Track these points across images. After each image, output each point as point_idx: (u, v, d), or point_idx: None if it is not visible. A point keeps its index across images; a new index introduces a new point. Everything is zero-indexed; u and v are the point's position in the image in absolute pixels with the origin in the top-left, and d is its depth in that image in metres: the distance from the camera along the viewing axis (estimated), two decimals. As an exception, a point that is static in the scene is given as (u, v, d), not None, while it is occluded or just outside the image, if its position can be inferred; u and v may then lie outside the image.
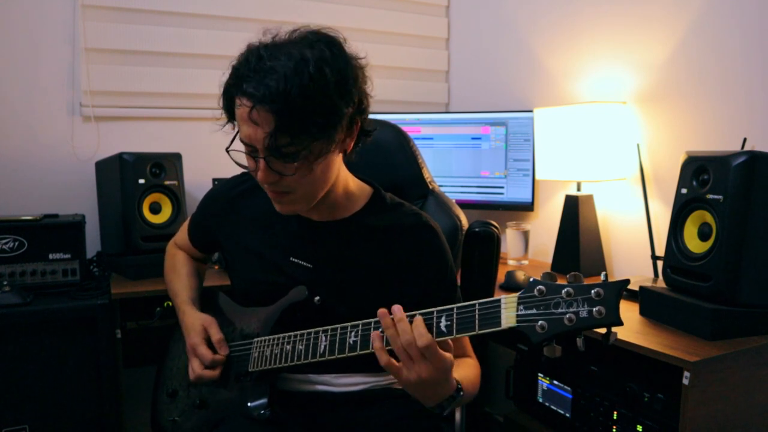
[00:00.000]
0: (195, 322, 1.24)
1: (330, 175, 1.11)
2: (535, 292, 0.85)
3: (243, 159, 1.07)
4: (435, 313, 0.94)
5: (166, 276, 1.43)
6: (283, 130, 0.97)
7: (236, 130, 1.07)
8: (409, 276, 1.16)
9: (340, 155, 1.13)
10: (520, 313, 0.86)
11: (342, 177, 1.18)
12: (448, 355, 0.96)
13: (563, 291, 0.83)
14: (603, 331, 0.84)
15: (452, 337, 0.93)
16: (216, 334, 1.20)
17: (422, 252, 1.17)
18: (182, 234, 1.44)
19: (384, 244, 1.17)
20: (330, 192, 1.15)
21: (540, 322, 0.84)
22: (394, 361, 0.97)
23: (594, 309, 0.81)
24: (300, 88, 0.95)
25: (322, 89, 0.97)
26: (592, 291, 0.82)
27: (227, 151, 1.07)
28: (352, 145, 1.11)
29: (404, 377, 0.96)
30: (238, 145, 1.06)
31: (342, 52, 1.04)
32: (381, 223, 1.19)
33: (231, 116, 1.07)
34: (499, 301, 0.88)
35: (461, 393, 1.02)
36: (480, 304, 0.90)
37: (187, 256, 1.44)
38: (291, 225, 1.21)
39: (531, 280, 0.87)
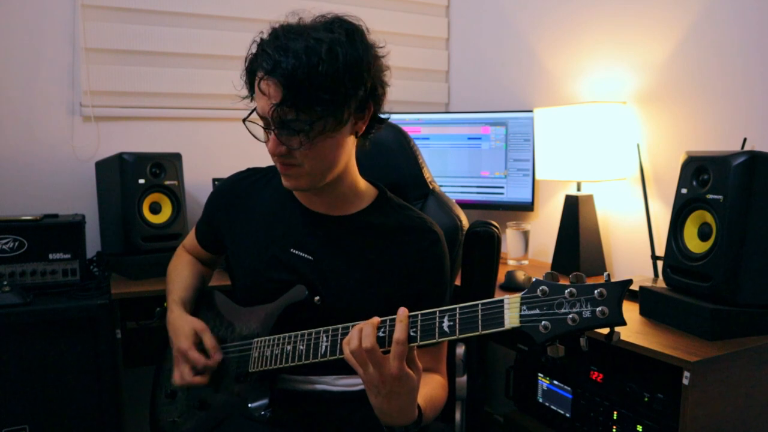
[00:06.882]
0: (185, 325, 1.21)
1: (339, 155, 1.11)
2: (538, 293, 0.85)
3: (258, 132, 1.11)
4: (438, 313, 0.93)
5: (167, 276, 1.42)
6: (288, 104, 1.02)
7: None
8: (406, 278, 1.16)
9: (353, 140, 1.14)
10: (523, 313, 0.85)
11: (352, 169, 1.19)
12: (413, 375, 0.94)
13: (566, 291, 0.83)
14: (606, 331, 0.84)
15: (455, 337, 0.92)
16: (209, 341, 1.18)
17: (422, 257, 1.17)
18: (190, 236, 1.44)
19: (385, 243, 1.17)
20: (339, 182, 1.16)
21: (543, 322, 0.83)
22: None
23: (597, 309, 0.80)
24: (308, 67, 1.00)
25: (331, 70, 1.01)
26: (595, 291, 0.81)
27: (243, 122, 1.11)
28: (364, 128, 1.14)
29: (364, 379, 0.96)
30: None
31: (360, 38, 1.08)
32: (385, 222, 1.19)
33: (251, 89, 1.11)
34: (502, 301, 0.88)
35: (420, 424, 1.01)
36: (483, 304, 0.90)
37: (192, 258, 1.43)
38: (294, 217, 1.21)
39: (534, 280, 0.86)
